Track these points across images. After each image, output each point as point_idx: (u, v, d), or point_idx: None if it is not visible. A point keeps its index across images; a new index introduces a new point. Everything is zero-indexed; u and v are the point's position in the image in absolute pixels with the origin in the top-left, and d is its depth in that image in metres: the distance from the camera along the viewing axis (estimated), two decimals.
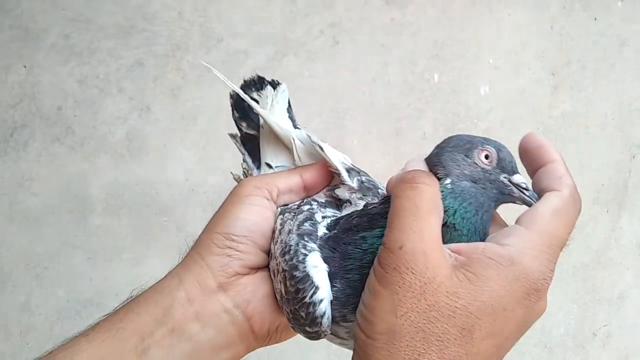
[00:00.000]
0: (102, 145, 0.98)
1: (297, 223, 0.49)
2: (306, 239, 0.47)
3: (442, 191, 0.43)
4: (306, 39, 1.08)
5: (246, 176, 0.60)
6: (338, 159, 0.53)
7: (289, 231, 0.48)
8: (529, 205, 0.43)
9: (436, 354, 0.38)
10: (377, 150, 1.12)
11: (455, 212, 0.43)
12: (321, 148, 0.53)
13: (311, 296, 0.44)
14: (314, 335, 0.46)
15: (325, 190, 0.54)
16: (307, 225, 0.49)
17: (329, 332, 0.45)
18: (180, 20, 1.01)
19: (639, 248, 1.44)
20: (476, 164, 0.45)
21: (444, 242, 0.42)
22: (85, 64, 0.95)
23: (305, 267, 0.45)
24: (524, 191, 0.45)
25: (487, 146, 0.46)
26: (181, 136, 1.02)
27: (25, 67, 0.92)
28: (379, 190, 0.52)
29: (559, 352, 1.38)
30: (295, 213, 0.50)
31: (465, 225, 0.43)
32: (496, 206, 0.46)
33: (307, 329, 0.45)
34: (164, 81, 1.00)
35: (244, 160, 0.60)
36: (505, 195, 0.45)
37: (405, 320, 0.38)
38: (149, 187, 1.00)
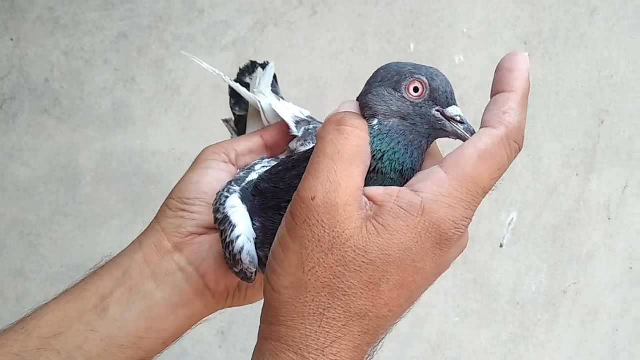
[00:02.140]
0: (89, 115, 1.00)
1: (235, 175, 0.51)
2: (232, 184, 0.48)
3: (370, 134, 0.40)
4: (286, 9, 1.10)
5: None
6: (290, 113, 0.54)
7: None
8: (464, 140, 0.40)
9: (342, 308, 0.37)
10: None
11: (383, 155, 0.40)
12: (270, 104, 0.55)
13: (230, 235, 0.45)
14: (242, 276, 0.47)
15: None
16: (241, 173, 0.50)
17: (253, 269, 0.46)
18: None
19: (607, 210, 1.50)
20: (405, 97, 0.41)
21: (368, 185, 0.39)
22: (71, 36, 0.97)
23: (224, 208, 0.46)
24: (458, 125, 0.41)
25: (418, 76, 0.41)
26: (166, 106, 1.04)
27: (12, 39, 0.94)
28: None
29: (530, 309, 1.45)
30: (243, 169, 0.52)
31: (393, 168, 0.40)
32: (429, 142, 0.42)
33: (235, 269, 0.47)
34: (147, 52, 1.02)
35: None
36: (438, 130, 0.42)
37: (312, 275, 0.37)
38: (136, 156, 1.03)
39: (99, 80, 1.00)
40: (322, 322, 0.37)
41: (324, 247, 0.37)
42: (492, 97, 0.40)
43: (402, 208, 0.37)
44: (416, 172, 0.41)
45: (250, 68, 0.63)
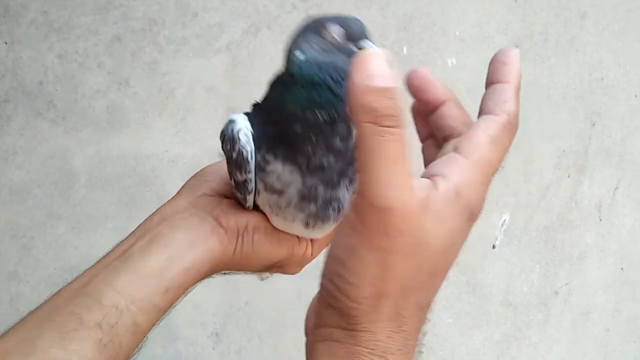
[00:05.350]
0: (83, 118, 1.00)
1: None
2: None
3: (295, 61, 0.49)
4: (279, 12, 1.11)
5: None
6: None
7: None
8: None
9: (413, 306, 0.39)
10: None
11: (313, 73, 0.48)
12: None
13: (231, 132, 0.51)
14: (242, 185, 0.53)
15: None
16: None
17: (248, 148, 0.51)
18: None
19: (598, 211, 1.51)
20: (325, 39, 0.50)
21: (295, 98, 0.48)
22: (65, 40, 0.97)
23: (231, 129, 0.52)
24: None
25: (334, 24, 0.50)
26: (160, 109, 1.05)
27: (5, 43, 0.94)
28: None
29: (522, 310, 1.46)
30: None
31: (319, 75, 0.48)
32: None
33: (238, 175, 0.52)
34: (141, 55, 1.02)
35: None
36: None
37: (393, 284, 0.38)
38: (130, 158, 1.04)
39: (93, 83, 1.00)
40: (399, 322, 0.39)
41: (403, 254, 0.37)
42: (487, 86, 0.43)
43: (443, 197, 0.38)
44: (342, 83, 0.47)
45: None
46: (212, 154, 1.07)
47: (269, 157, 0.50)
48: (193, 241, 0.52)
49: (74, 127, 1.00)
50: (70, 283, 0.50)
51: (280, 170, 0.50)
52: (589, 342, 1.55)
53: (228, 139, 0.52)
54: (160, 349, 1.11)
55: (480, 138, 0.40)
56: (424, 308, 0.40)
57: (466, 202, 0.39)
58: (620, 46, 1.44)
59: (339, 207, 0.52)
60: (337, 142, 0.48)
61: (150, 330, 0.50)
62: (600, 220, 1.51)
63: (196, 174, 0.59)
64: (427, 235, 0.37)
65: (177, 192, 0.58)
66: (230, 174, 0.54)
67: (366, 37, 0.49)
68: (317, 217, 0.52)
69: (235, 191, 0.55)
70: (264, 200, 0.53)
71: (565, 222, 1.47)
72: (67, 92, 0.99)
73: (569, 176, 1.45)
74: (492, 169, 0.40)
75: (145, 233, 0.53)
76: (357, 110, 0.37)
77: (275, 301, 1.15)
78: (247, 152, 0.51)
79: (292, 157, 0.49)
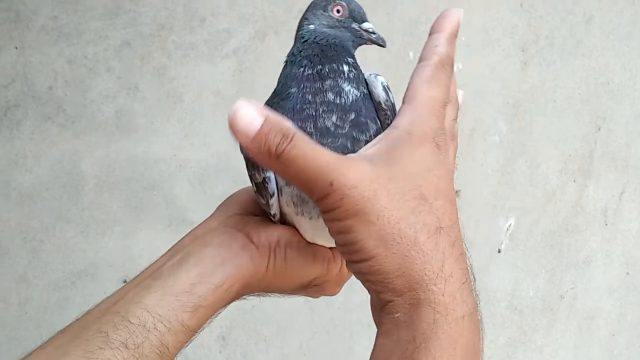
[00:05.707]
0: (92, 123, 1.01)
1: None
2: None
3: (307, 31, 0.55)
4: (286, 17, 1.12)
5: None
6: None
7: None
8: (377, 44, 0.56)
9: (422, 228, 0.41)
10: None
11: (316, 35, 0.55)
12: None
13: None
14: (262, 187, 0.52)
15: None
16: None
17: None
18: (164, 0, 1.04)
19: (604, 215, 1.51)
20: (331, 16, 0.56)
21: (305, 56, 0.53)
22: (74, 45, 0.98)
23: None
24: (371, 34, 0.56)
25: (339, 1, 0.56)
26: (168, 114, 1.05)
27: (16, 48, 0.95)
28: None
29: (528, 314, 1.46)
30: None
31: (317, 36, 0.55)
32: (354, 47, 0.56)
33: (257, 176, 0.52)
34: (150, 60, 1.03)
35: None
36: (358, 38, 0.56)
37: (382, 221, 0.41)
38: (138, 163, 1.04)
39: (102, 88, 1.01)
40: (419, 247, 0.41)
41: (370, 196, 0.40)
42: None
43: (394, 138, 0.43)
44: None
45: None
46: (220, 158, 1.09)
47: None
48: (223, 258, 0.51)
49: (83, 132, 1.01)
50: (101, 302, 0.50)
51: None
52: (595, 346, 1.55)
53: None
54: None
55: (416, 82, 0.45)
56: (442, 230, 0.42)
57: (421, 135, 0.44)
58: (626, 50, 1.44)
59: None
60: (331, 97, 0.51)
61: (176, 354, 0.49)
62: (606, 224, 1.51)
63: (228, 197, 0.60)
64: (385, 172, 0.42)
65: (210, 215, 0.57)
66: (250, 178, 0.54)
67: (366, 19, 0.56)
68: None
69: (259, 198, 0.54)
70: (287, 198, 0.53)
71: (570, 227, 1.47)
72: (76, 96, 1.00)
73: (574, 181, 1.45)
74: (437, 102, 0.45)
75: (177, 252, 0.52)
76: (263, 162, 0.41)
77: (281, 305, 1.15)
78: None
79: (300, 125, 0.51)
